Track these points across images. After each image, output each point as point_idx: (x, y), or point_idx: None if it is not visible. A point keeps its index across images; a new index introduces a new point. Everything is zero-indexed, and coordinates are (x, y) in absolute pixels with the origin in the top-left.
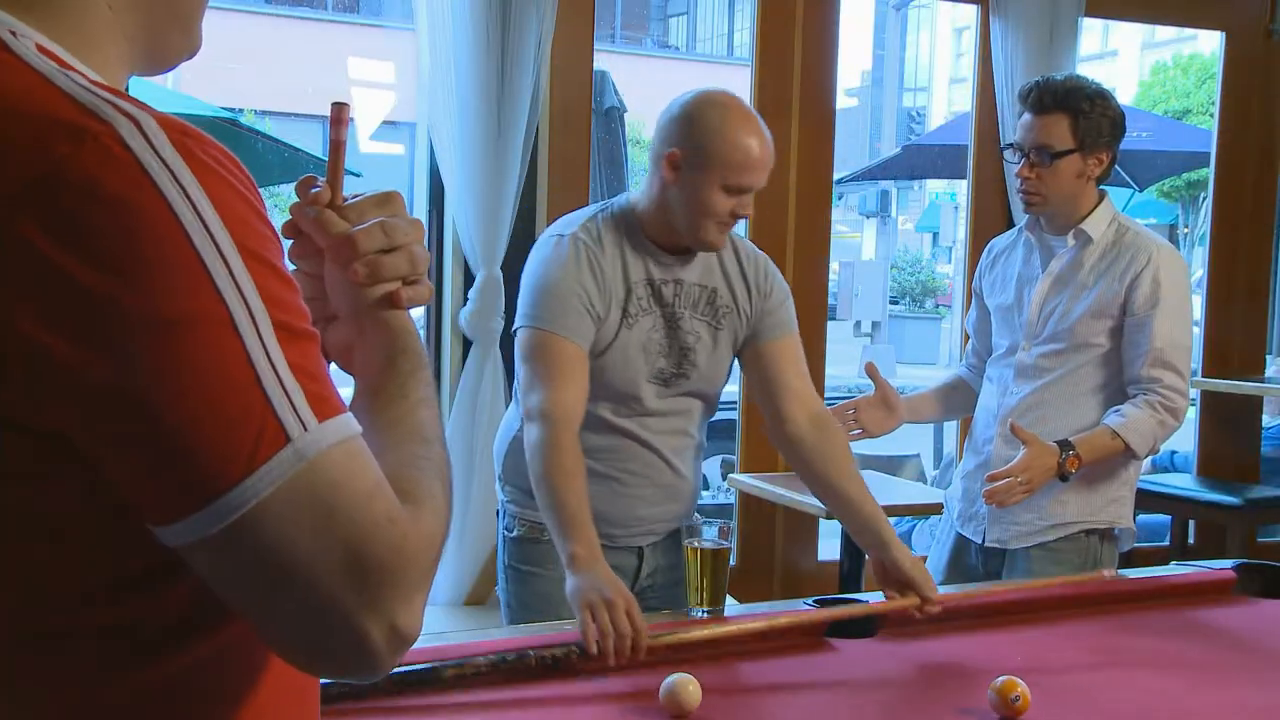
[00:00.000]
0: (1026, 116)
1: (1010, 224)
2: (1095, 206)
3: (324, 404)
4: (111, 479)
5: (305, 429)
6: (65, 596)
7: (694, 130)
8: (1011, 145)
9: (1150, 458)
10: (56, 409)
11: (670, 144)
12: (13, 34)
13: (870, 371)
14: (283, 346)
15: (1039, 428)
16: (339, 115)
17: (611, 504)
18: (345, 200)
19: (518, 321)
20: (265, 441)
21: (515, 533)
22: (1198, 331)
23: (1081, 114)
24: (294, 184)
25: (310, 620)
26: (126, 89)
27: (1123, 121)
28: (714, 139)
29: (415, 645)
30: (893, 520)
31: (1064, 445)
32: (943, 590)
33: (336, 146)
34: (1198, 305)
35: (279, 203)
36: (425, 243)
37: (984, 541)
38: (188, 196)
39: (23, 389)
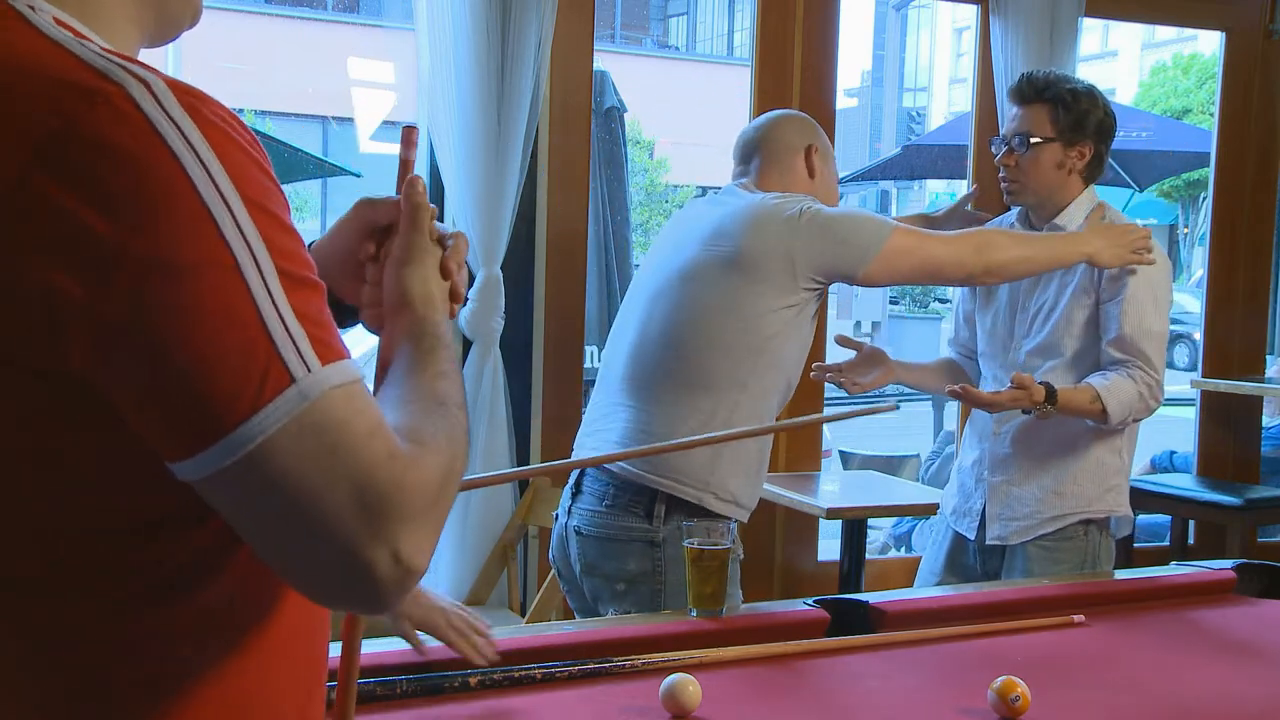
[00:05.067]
0: (1012, 109)
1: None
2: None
3: (326, 348)
4: (129, 420)
5: (309, 370)
6: (101, 535)
7: None
8: (995, 141)
9: (1153, 458)
10: (77, 353)
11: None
12: (31, 8)
13: (842, 341)
14: (287, 292)
15: (1040, 429)
16: (409, 138)
17: None
18: None
19: None
20: (270, 381)
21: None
22: (1199, 332)
23: (1062, 104)
24: (292, 183)
25: (320, 550)
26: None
27: (1111, 120)
28: None
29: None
30: (892, 520)
31: (1049, 394)
32: (942, 591)
33: (405, 164)
34: (1199, 305)
35: None
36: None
37: (984, 539)
38: (194, 151)
39: (46, 335)
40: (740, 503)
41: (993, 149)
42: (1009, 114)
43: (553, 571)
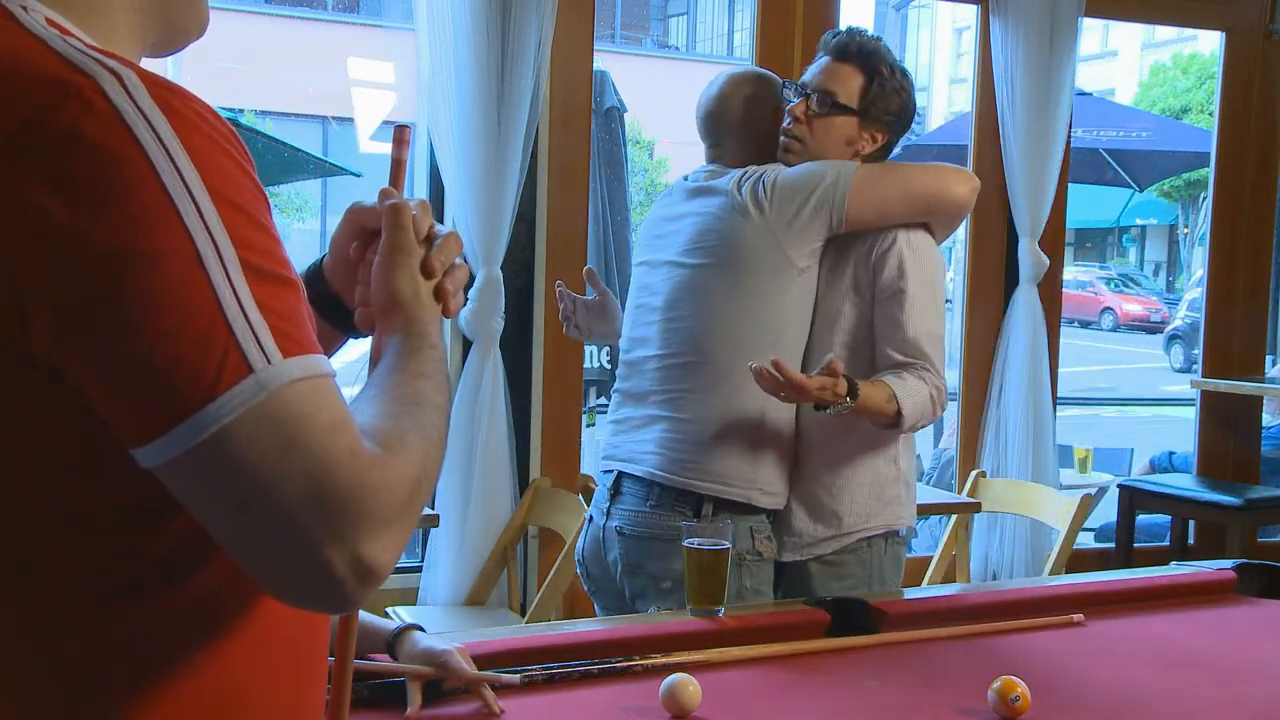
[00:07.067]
0: (824, 60)
1: (1010, 225)
2: None
3: (291, 342)
4: (95, 406)
5: (269, 362)
6: (99, 520)
7: None
8: (794, 85)
9: (1153, 458)
10: (39, 339)
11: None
12: (23, 8)
13: (590, 277)
14: (250, 285)
15: (814, 440)
16: (401, 137)
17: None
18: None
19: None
20: (228, 370)
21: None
22: (1199, 333)
23: (878, 78)
24: (292, 183)
25: (276, 546)
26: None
27: (912, 112)
28: None
29: None
30: None
31: (852, 391)
32: (942, 590)
33: (398, 164)
34: (1199, 305)
35: (278, 203)
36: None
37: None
38: (161, 143)
39: (12, 321)
40: (780, 493)
41: (785, 93)
42: (816, 64)
43: (578, 572)
